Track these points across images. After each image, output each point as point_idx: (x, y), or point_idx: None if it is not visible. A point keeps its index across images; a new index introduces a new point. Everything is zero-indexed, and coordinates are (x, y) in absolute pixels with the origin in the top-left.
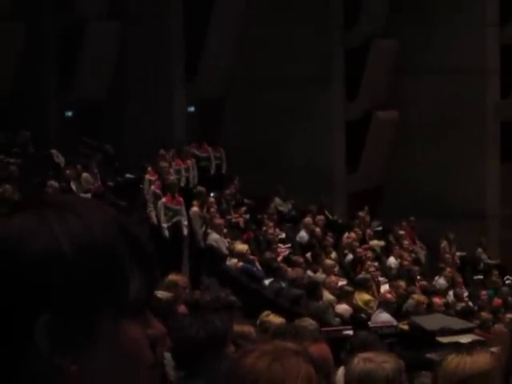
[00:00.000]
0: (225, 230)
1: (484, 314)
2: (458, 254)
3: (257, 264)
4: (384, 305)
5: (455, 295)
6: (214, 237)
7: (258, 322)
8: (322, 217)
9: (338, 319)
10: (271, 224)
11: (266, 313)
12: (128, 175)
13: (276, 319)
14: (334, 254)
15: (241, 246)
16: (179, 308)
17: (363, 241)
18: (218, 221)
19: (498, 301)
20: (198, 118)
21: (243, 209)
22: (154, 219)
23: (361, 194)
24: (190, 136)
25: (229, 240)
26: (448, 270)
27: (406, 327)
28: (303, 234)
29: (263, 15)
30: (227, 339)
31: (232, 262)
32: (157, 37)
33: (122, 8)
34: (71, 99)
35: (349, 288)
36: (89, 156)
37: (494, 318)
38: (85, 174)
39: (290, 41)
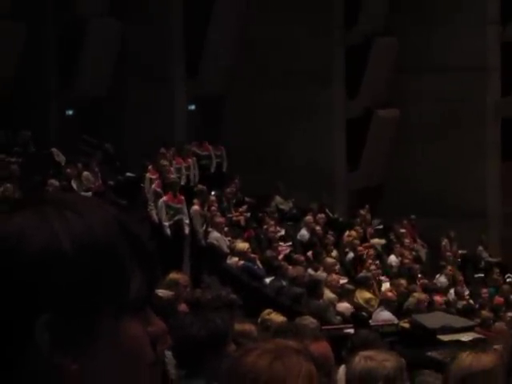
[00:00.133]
0: (226, 229)
1: (485, 313)
2: (459, 252)
3: (258, 262)
4: (385, 303)
5: (456, 293)
6: (214, 235)
7: (258, 320)
8: (322, 215)
9: (338, 317)
10: (272, 222)
11: (266, 311)
12: (128, 174)
13: (277, 317)
14: (334, 253)
15: (242, 245)
16: (180, 306)
17: (364, 239)
18: (219, 219)
19: (498, 299)
20: (199, 116)
21: (244, 207)
22: (155, 218)
23: (361, 192)
24: (190, 134)
25: (230, 238)
26: (449, 268)
27: (406, 325)
28: (304, 233)
29: (263, 14)
30: (228, 338)
31: (233, 260)
32: (157, 35)
33: (122, 7)
34: (72, 98)
35: (350, 286)
36: (89, 155)
37: (494, 316)
38: (85, 173)
39: (291, 39)
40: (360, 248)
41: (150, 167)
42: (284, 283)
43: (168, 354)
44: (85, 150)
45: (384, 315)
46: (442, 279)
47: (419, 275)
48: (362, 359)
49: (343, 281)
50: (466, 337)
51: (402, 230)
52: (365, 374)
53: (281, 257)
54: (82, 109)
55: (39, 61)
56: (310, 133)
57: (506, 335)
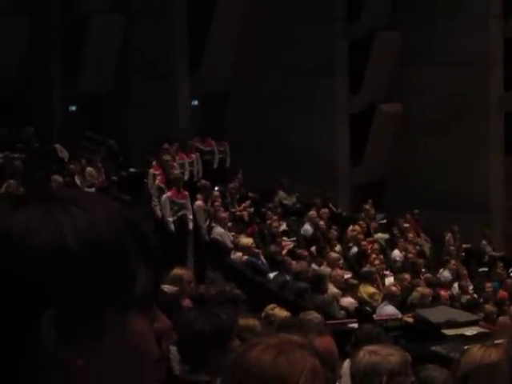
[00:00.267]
0: (229, 224)
1: (489, 307)
2: (462, 246)
3: (261, 257)
4: (389, 297)
5: (460, 288)
6: (218, 230)
7: (262, 315)
8: (326, 210)
9: (342, 312)
10: (275, 217)
11: (270, 306)
12: (132, 169)
13: (281, 312)
14: (338, 247)
15: (245, 240)
16: (184, 302)
17: (368, 234)
18: (223, 214)
19: (502, 293)
20: (202, 111)
21: (247, 202)
22: (159, 213)
23: (365, 186)
24: (194, 130)
25: (233, 234)
26: (453, 262)
27: (410, 320)
28: (307, 227)
29: (267, 9)
30: (232, 333)
31: (236, 255)
32: (160, 31)
33: (124, 3)
34: (75, 94)
35: (353, 281)
36: (93, 150)
37: (498, 310)
38: (89, 169)
39: (293, 34)
40: (364, 243)
41: (153, 163)
42: (288, 278)
43: (173, 349)
44: (88, 146)
45: (388, 310)
46: (445, 273)
47: (423, 269)
48: (367, 354)
49: (347, 275)
50: (470, 331)
51: (406, 225)
52: (369, 368)
53: (284, 252)
54: (85, 104)
55: (42, 57)
56: (314, 127)
57: (510, 329)
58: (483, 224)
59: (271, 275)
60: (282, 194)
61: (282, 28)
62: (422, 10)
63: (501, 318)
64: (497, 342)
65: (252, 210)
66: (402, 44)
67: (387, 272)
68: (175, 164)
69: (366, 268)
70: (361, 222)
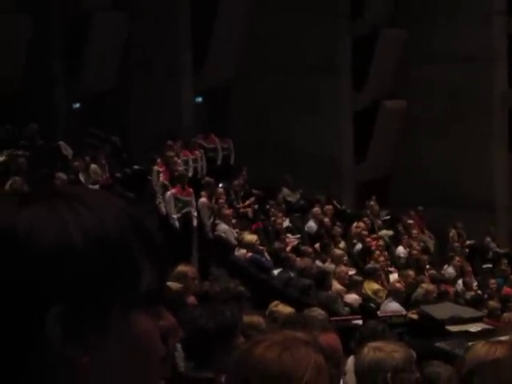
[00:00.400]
0: (233, 221)
1: (493, 303)
2: (467, 242)
3: (265, 254)
4: (393, 294)
5: (464, 284)
6: (222, 227)
7: (267, 312)
8: (330, 206)
9: (347, 309)
10: (280, 214)
11: (275, 303)
12: (136, 167)
13: (285, 309)
14: (342, 244)
15: (249, 237)
16: (188, 299)
17: (372, 230)
18: (227, 211)
19: (507, 289)
20: (206, 108)
21: (252, 199)
22: (163, 210)
23: (369, 183)
24: (197, 127)
25: (237, 230)
26: (457, 258)
27: (415, 316)
28: (312, 224)
29: (271, 6)
30: (237, 330)
31: (241, 252)
32: (163, 28)
33: (127, 0)
34: (78, 91)
35: (358, 277)
36: (97, 148)
37: (503, 306)
38: (93, 166)
39: (297, 31)
40: (368, 239)
41: (158, 160)
42: (292, 275)
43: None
44: (92, 143)
45: (392, 306)
46: (450, 270)
47: (427, 266)
48: (371, 350)
49: (351, 272)
50: (474, 327)
51: (410, 221)
52: (373, 365)
53: (289, 248)
54: (88, 102)
55: (45, 54)
56: (318, 124)
57: None
58: (487, 220)
59: (275, 272)
60: (286, 190)
61: (284, 28)
62: (426, 6)
63: (505, 314)
64: (501, 338)
65: (256, 206)
66: (406, 41)
67: (391, 268)
68: (179, 161)
69: (371, 264)
70: (365, 219)
